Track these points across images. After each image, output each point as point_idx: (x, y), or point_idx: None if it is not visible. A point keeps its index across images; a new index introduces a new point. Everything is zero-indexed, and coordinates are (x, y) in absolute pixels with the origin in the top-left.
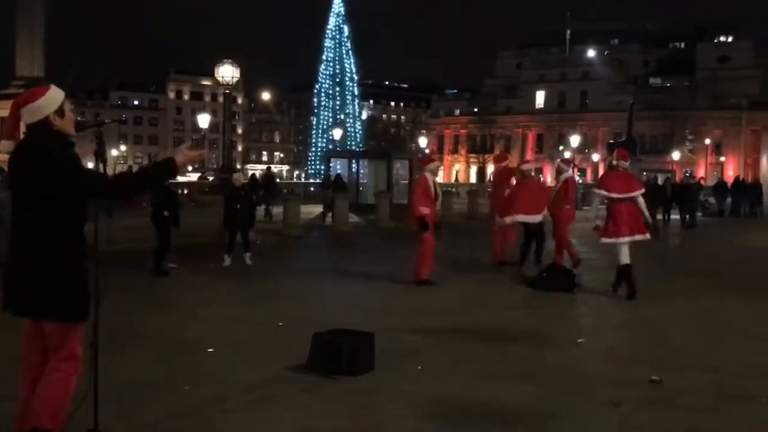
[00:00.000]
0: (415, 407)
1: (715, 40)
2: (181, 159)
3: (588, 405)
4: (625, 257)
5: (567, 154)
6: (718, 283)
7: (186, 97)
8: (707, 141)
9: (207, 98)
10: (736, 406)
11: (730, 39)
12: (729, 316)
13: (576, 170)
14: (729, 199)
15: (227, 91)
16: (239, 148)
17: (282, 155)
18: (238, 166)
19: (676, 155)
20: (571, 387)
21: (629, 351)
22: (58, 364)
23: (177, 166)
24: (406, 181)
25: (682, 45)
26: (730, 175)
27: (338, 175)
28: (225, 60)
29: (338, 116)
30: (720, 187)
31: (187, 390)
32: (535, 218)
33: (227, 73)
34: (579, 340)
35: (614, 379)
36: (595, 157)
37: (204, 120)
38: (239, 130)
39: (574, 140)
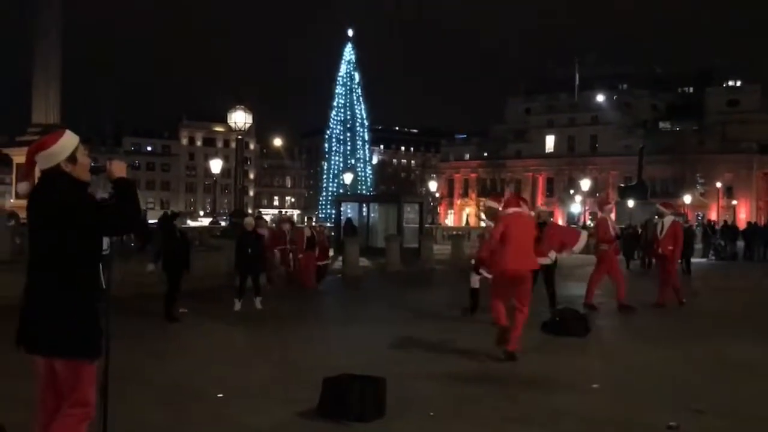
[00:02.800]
0: None
1: (724, 84)
2: (112, 170)
3: None
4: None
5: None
6: (730, 325)
7: (198, 143)
8: (718, 184)
9: (219, 144)
10: None
11: (738, 83)
12: (744, 359)
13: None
14: (741, 243)
15: (239, 137)
16: (251, 193)
17: (293, 200)
18: (250, 211)
19: (687, 199)
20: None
21: (644, 395)
22: (71, 410)
23: (121, 177)
24: (416, 225)
25: (691, 89)
26: (742, 218)
27: (349, 219)
28: (238, 106)
29: (349, 161)
30: (728, 230)
31: None
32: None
33: (240, 118)
34: (593, 386)
35: (630, 425)
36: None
37: (216, 165)
38: (251, 175)
39: (585, 184)
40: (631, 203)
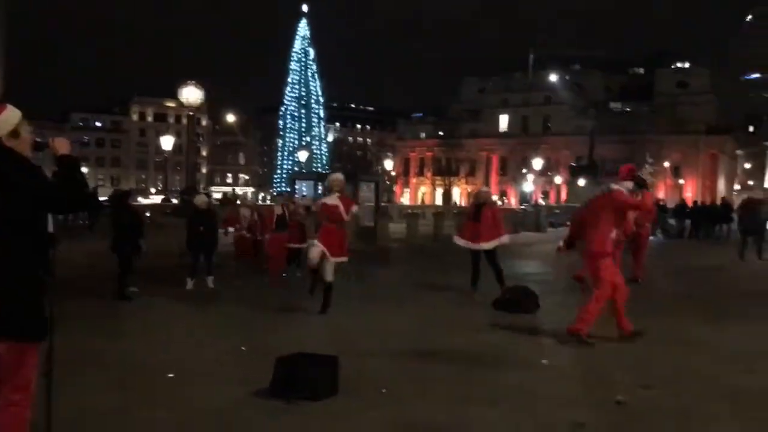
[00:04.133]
0: None
1: (673, 66)
2: (55, 146)
3: (551, 427)
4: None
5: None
6: (679, 302)
7: (149, 118)
8: (666, 164)
9: (171, 120)
10: (699, 428)
11: (687, 65)
12: (692, 336)
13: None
14: (688, 221)
15: (191, 113)
16: (203, 170)
17: (247, 177)
18: (202, 188)
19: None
20: (534, 409)
21: (593, 371)
22: (12, 395)
23: (65, 155)
24: (372, 204)
25: (641, 71)
26: (688, 197)
27: (303, 197)
28: (188, 82)
29: (304, 138)
30: (680, 209)
31: (144, 418)
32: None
33: (191, 94)
34: (543, 362)
35: (578, 401)
36: (558, 179)
37: (167, 142)
38: (203, 152)
39: (537, 163)
40: (582, 182)
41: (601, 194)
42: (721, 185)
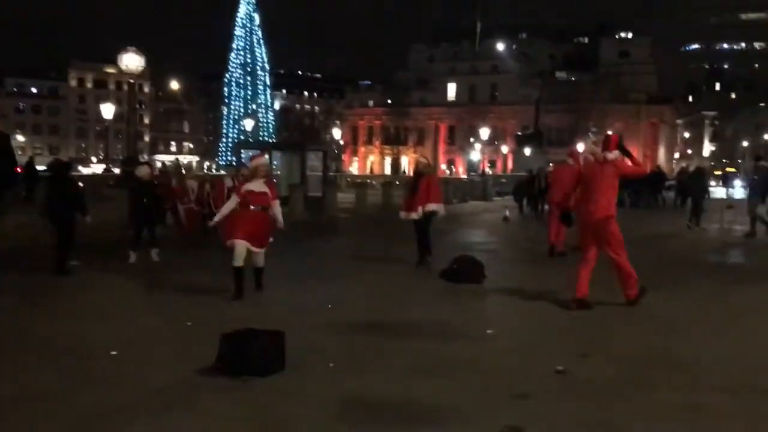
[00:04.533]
0: (325, 407)
1: (617, 36)
2: None
3: (495, 398)
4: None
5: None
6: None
7: (89, 85)
8: (609, 133)
9: (111, 86)
10: (637, 395)
11: (629, 35)
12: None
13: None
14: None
15: (131, 81)
16: (146, 139)
17: (191, 145)
18: (145, 156)
19: (580, 147)
20: (479, 380)
21: (536, 342)
22: None
23: None
24: (320, 173)
25: (586, 40)
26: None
27: None
28: (129, 48)
29: (250, 106)
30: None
31: (85, 399)
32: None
33: (131, 61)
34: (488, 332)
35: (521, 371)
36: (504, 149)
37: (108, 110)
38: (146, 120)
39: (484, 133)
40: (527, 151)
41: (597, 163)
42: (662, 154)
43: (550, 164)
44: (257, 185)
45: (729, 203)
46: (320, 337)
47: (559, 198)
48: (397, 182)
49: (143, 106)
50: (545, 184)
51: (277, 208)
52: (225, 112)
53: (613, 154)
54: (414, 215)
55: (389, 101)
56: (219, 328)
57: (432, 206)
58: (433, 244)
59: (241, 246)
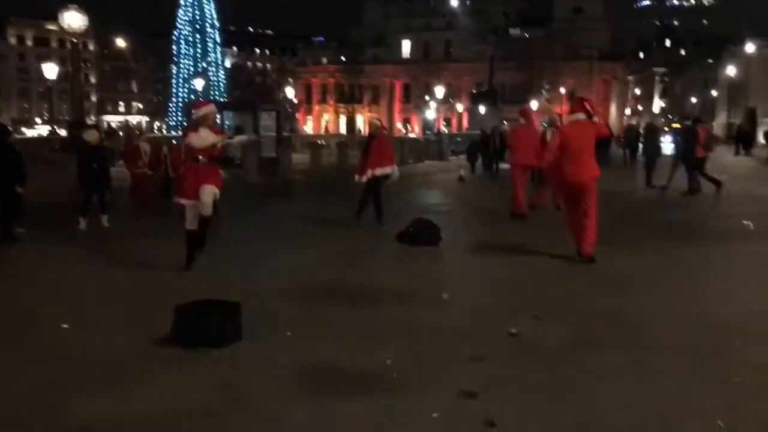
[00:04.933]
0: (283, 377)
1: None
2: None
3: (452, 362)
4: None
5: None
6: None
7: (29, 43)
8: (562, 90)
9: (54, 44)
10: (587, 355)
11: None
12: (583, 267)
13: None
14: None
15: (74, 41)
16: (93, 99)
17: (141, 105)
18: (93, 118)
19: (534, 105)
20: (436, 345)
21: (490, 304)
22: None
23: None
24: (274, 134)
25: None
26: None
27: None
28: (70, 5)
29: (200, 65)
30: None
31: (35, 372)
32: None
33: (73, 20)
34: (444, 296)
35: (476, 335)
36: (459, 107)
37: (51, 70)
38: (92, 79)
39: (439, 91)
40: (482, 109)
41: (579, 123)
42: (613, 111)
43: (505, 122)
44: (207, 134)
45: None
46: (277, 305)
47: (525, 160)
48: (353, 142)
49: (88, 65)
50: (500, 144)
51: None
52: (174, 71)
53: (578, 116)
54: (364, 178)
55: (343, 59)
56: (173, 297)
57: (386, 169)
58: (386, 206)
59: (190, 207)
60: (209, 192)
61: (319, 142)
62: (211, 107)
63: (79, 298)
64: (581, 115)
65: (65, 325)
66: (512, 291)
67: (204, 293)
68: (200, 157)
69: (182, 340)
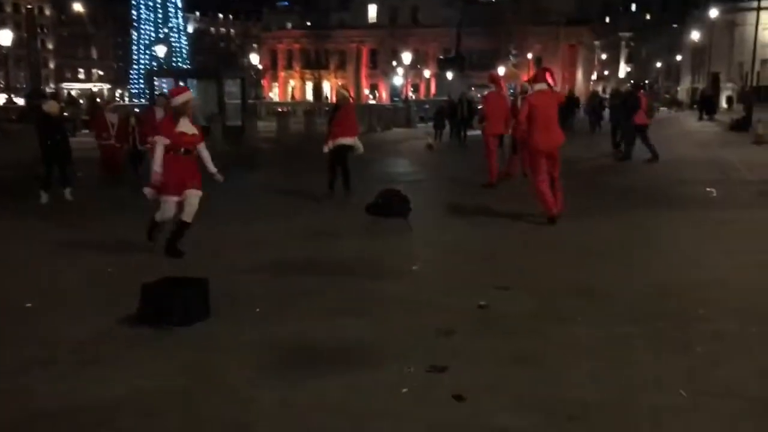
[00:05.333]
0: (251, 355)
1: None
2: None
3: (422, 336)
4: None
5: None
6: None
7: None
8: (529, 56)
9: (8, 9)
10: (555, 328)
11: None
12: (551, 234)
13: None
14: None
15: (29, 6)
16: (51, 66)
17: (101, 72)
18: (52, 86)
19: (501, 70)
20: (405, 318)
21: (459, 276)
22: None
23: None
24: (239, 101)
25: None
26: None
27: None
28: None
29: (161, 31)
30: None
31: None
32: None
33: None
34: (413, 267)
35: (446, 307)
36: (427, 73)
37: (5, 36)
38: (49, 46)
39: (406, 57)
40: (450, 75)
41: (543, 92)
42: (580, 76)
43: (473, 88)
44: (186, 126)
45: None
46: (245, 281)
47: (498, 130)
48: (320, 109)
49: (45, 31)
50: (468, 111)
51: (205, 152)
52: (135, 37)
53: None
54: (325, 148)
55: (308, 23)
56: (140, 274)
57: (347, 140)
58: (355, 176)
59: (171, 204)
60: (196, 198)
61: (285, 110)
62: (189, 95)
63: (42, 276)
64: (544, 85)
65: (29, 304)
66: (481, 261)
67: (171, 269)
68: (182, 149)
69: (150, 319)
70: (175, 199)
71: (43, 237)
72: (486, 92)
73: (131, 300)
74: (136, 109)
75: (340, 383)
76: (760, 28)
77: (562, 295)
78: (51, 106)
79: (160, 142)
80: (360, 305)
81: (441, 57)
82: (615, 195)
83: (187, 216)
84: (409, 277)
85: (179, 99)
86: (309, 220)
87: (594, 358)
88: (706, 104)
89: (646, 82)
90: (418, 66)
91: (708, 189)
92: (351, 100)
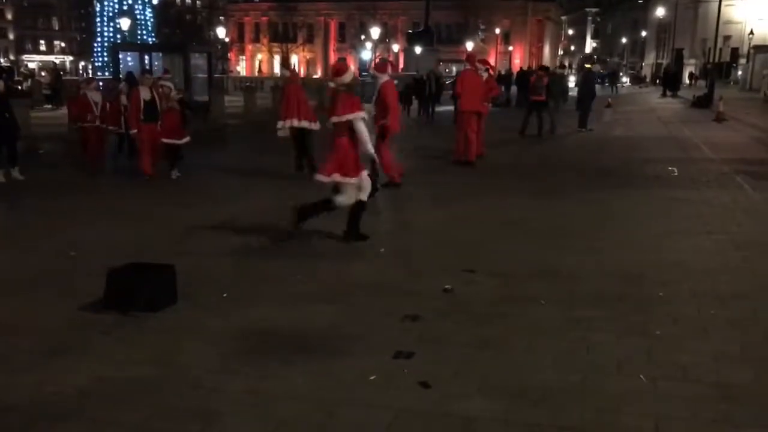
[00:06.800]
0: (219, 341)
1: None
2: None
3: (388, 321)
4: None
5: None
6: (515, 180)
7: None
8: (497, 31)
9: None
10: (519, 310)
11: None
12: (514, 215)
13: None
14: (514, 89)
15: None
16: (11, 37)
17: (63, 44)
18: (11, 57)
19: (469, 45)
20: (373, 303)
21: (426, 258)
22: None
23: None
24: (205, 76)
25: None
26: (517, 63)
27: (130, 73)
28: None
29: (125, 2)
30: (503, 78)
31: None
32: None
33: None
34: (381, 250)
35: (412, 292)
36: (395, 47)
37: None
38: (8, 16)
39: (375, 32)
40: (418, 50)
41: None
42: (547, 51)
43: (440, 63)
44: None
45: (608, 102)
46: (212, 264)
47: (473, 106)
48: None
49: (4, 0)
50: (435, 87)
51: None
52: (98, 8)
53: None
54: (279, 130)
55: None
56: (104, 257)
57: (294, 121)
58: (320, 156)
59: (353, 187)
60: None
61: (254, 86)
62: (352, 68)
63: (3, 259)
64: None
65: None
66: (447, 244)
67: (135, 250)
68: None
69: (116, 305)
70: (355, 181)
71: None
72: (462, 69)
73: (97, 284)
74: (142, 90)
75: (308, 370)
76: (723, 4)
77: (526, 277)
78: None
79: (361, 118)
80: (328, 290)
81: (410, 31)
82: (579, 174)
83: (365, 194)
84: (377, 261)
85: (348, 76)
86: (275, 199)
87: (557, 342)
88: (669, 80)
89: (566, 63)
90: (387, 40)
91: (670, 168)
92: (294, 80)
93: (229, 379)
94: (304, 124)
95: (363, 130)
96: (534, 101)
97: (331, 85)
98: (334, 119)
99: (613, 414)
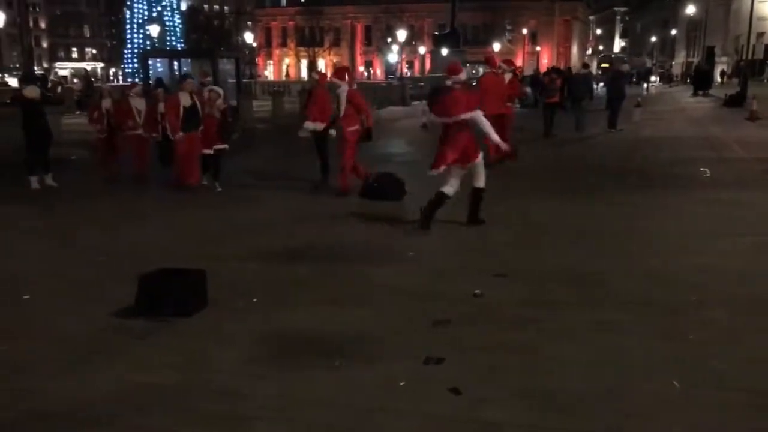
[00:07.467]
0: (248, 346)
1: None
2: None
3: (418, 326)
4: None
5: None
6: (535, 183)
7: None
8: (524, 31)
9: None
10: (550, 316)
11: None
12: (542, 219)
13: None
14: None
15: None
16: (44, 45)
17: (95, 51)
18: (44, 65)
19: (496, 46)
20: (402, 308)
21: (455, 262)
22: None
23: None
24: (234, 81)
25: None
26: (544, 63)
27: (159, 80)
28: None
29: (154, 9)
30: (533, 79)
31: None
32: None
33: None
34: (409, 254)
35: (442, 296)
36: (422, 50)
37: None
38: (42, 25)
39: (401, 35)
40: (445, 52)
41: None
42: (575, 51)
43: (467, 65)
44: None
45: (637, 101)
46: (243, 269)
47: (494, 110)
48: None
49: (38, 9)
50: None
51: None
52: (128, 16)
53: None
54: (301, 132)
55: (302, 0)
56: (134, 263)
57: (316, 125)
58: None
59: (458, 177)
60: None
61: (281, 90)
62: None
63: (39, 267)
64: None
65: (27, 297)
66: (477, 247)
67: (166, 255)
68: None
69: (147, 311)
70: (463, 171)
71: (35, 224)
72: (483, 72)
73: (128, 290)
74: (182, 96)
75: (338, 377)
76: (756, 0)
77: (556, 281)
78: (31, 92)
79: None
80: (357, 294)
81: (436, 33)
82: (609, 175)
83: (482, 182)
84: (406, 264)
85: (464, 75)
86: (304, 204)
87: (587, 348)
88: (700, 79)
89: (589, 63)
90: (414, 42)
91: (702, 169)
92: (322, 83)
93: (259, 384)
94: (319, 126)
95: (485, 122)
96: (547, 103)
97: (448, 83)
98: (462, 116)
99: (643, 420)
